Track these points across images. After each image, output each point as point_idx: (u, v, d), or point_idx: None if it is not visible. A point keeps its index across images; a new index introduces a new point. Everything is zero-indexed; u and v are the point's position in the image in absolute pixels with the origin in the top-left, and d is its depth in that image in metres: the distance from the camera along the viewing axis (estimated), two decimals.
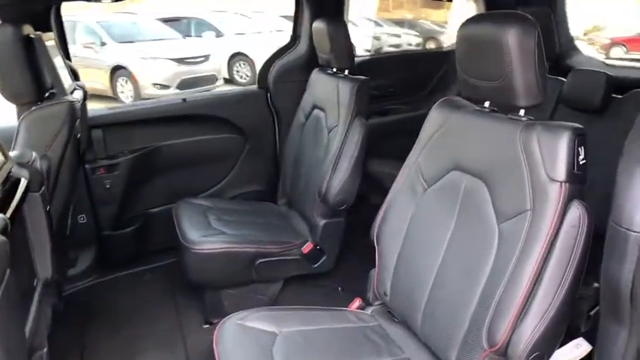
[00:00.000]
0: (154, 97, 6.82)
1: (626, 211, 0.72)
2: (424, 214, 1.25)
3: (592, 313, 1.07)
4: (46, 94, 1.41)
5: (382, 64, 2.67)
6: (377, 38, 10.27)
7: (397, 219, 1.32)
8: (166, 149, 2.19)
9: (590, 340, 1.04)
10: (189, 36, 9.05)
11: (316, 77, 2.07)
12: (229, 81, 8.70)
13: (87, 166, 2.00)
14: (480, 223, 1.07)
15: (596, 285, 1.06)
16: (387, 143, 2.48)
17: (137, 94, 7.04)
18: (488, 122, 1.11)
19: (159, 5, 10.18)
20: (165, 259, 2.24)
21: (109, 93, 7.25)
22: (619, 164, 0.77)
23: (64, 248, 1.70)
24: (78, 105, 1.43)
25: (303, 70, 2.23)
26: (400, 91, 2.66)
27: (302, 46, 2.28)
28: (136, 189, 2.18)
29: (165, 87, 7.12)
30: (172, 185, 2.27)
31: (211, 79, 7.78)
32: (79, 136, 1.50)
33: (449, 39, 12.44)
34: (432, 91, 2.76)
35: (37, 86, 1.35)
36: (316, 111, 2.00)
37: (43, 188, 0.92)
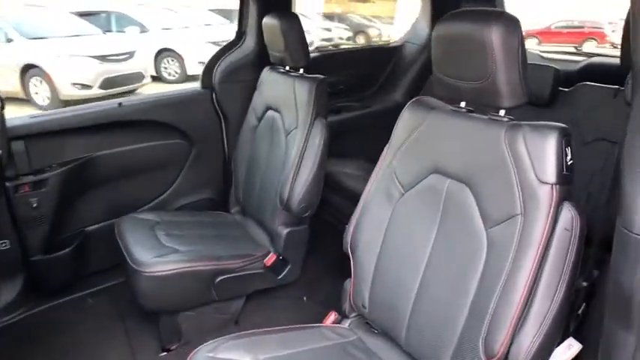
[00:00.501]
0: (74, 98, 6.33)
1: (638, 217, 0.70)
2: (402, 220, 1.19)
3: (580, 311, 1.07)
4: None
5: (330, 60, 2.59)
6: (308, 32, 10.20)
7: (372, 226, 1.26)
8: (102, 160, 1.96)
9: (579, 338, 1.04)
10: (110, 31, 8.47)
11: (268, 76, 1.95)
12: (157, 79, 8.28)
13: (7, 184, 1.74)
14: (466, 228, 1.03)
15: (584, 284, 1.06)
16: (341, 142, 2.42)
17: (54, 96, 6.47)
18: (468, 123, 1.06)
19: None
20: (109, 280, 2.03)
21: (21, 95, 6.59)
22: (621, 162, 0.74)
23: None
24: None
25: (252, 68, 2.10)
26: (350, 88, 2.60)
27: (249, 43, 2.14)
28: (70, 206, 1.94)
29: (86, 87, 6.61)
30: (112, 199, 2.05)
31: (137, 77, 7.36)
32: None
33: (378, 33, 12.83)
34: (380, 87, 2.73)
35: None
36: (270, 112, 1.88)
37: None
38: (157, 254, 1.57)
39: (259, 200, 1.87)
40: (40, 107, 6.48)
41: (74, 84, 6.56)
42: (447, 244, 1.07)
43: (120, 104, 1.97)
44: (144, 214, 1.88)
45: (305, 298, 1.99)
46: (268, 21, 1.81)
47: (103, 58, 6.84)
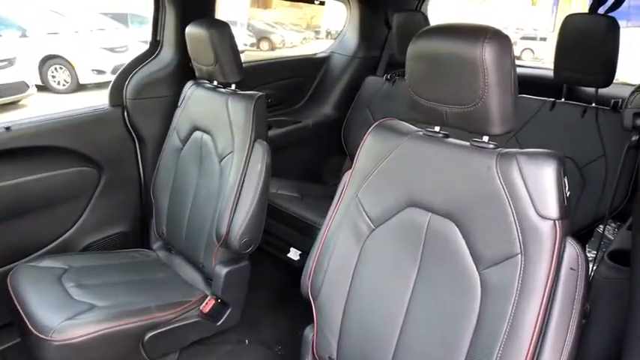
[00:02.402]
0: None
1: None
2: (374, 260, 1.05)
3: None
4: None
5: (258, 72, 2.40)
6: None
7: (337, 266, 1.10)
8: None
9: None
10: None
11: (193, 93, 1.71)
12: (44, 88, 7.39)
13: None
14: (453, 270, 0.92)
15: None
16: (272, 160, 2.25)
17: None
18: (448, 150, 0.96)
19: None
20: (1, 341, 1.65)
21: None
22: None
23: None
24: None
25: (171, 82, 1.84)
26: (278, 102, 2.43)
27: (166, 55, 1.87)
28: None
29: None
30: (1, 242, 1.66)
31: (20, 88, 6.46)
32: None
33: (282, 39, 12.79)
34: (309, 99, 2.60)
35: None
36: (198, 134, 1.65)
37: None
38: (69, 315, 1.27)
39: (189, 236, 1.62)
40: None
41: None
42: (430, 288, 0.95)
43: (7, 128, 1.60)
44: (47, 261, 1.55)
45: (247, 342, 1.78)
46: (193, 30, 1.58)
47: None
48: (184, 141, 1.70)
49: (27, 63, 6.79)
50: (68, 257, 1.60)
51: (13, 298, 1.36)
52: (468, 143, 0.95)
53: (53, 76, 7.61)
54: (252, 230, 1.46)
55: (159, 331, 1.37)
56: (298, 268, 1.42)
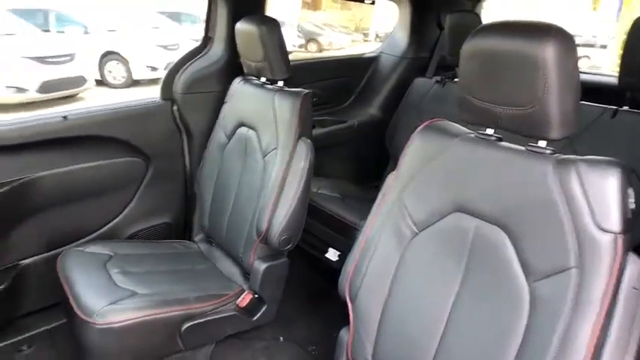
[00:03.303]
0: (7, 103, 5.76)
1: None
2: (416, 265, 1.01)
3: None
4: None
5: (305, 70, 2.40)
6: None
7: (377, 269, 1.07)
8: (42, 181, 1.66)
9: None
10: (48, 30, 7.84)
11: (240, 89, 1.73)
12: (102, 83, 7.75)
13: None
14: (500, 280, 0.87)
15: None
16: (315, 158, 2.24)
17: None
18: (501, 154, 0.91)
19: None
20: (49, 321, 1.73)
21: None
22: None
23: None
24: None
25: (219, 78, 1.86)
26: (324, 101, 2.42)
27: (216, 51, 1.90)
28: (2, 236, 1.62)
29: (22, 90, 6.05)
30: (53, 227, 1.74)
31: (79, 81, 6.82)
32: None
33: (329, 41, 12.82)
34: (355, 100, 2.57)
35: None
36: (243, 129, 1.66)
37: None
38: (112, 300, 1.31)
39: (230, 230, 1.64)
40: None
41: (8, 87, 5.99)
42: (474, 297, 0.91)
43: (65, 117, 1.67)
44: (94, 246, 1.60)
45: (282, 339, 1.78)
46: (243, 26, 1.59)
47: (41, 60, 6.30)
48: (230, 136, 1.71)
49: (86, 58, 7.15)
50: (114, 244, 1.65)
51: (62, 280, 1.42)
52: (523, 148, 0.89)
53: (110, 72, 7.98)
54: (292, 227, 1.45)
55: (196, 322, 1.39)
56: (336, 268, 1.41)
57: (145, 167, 1.91)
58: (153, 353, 1.37)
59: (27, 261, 1.72)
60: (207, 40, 1.92)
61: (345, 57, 2.76)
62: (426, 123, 1.07)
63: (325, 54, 11.70)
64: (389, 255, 1.06)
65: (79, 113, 1.73)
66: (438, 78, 2.28)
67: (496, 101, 0.87)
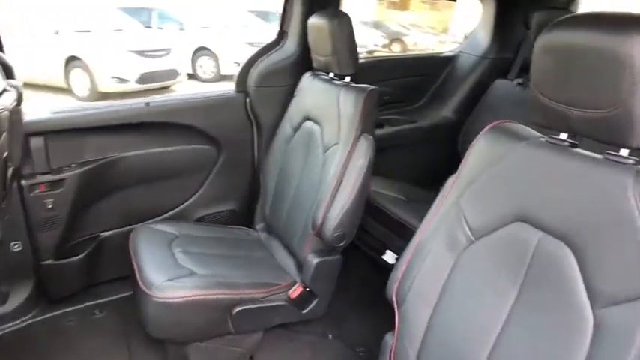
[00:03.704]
0: (111, 92, 6.34)
1: None
2: (469, 274, 0.95)
3: None
4: None
5: (376, 68, 2.37)
6: None
7: (427, 274, 1.02)
8: (124, 162, 1.80)
9: None
10: (150, 27, 8.51)
11: (308, 83, 1.74)
12: (192, 76, 8.26)
13: (23, 182, 1.59)
14: (561, 301, 0.79)
15: None
16: (381, 159, 2.19)
17: (93, 87, 6.51)
18: (574, 162, 0.82)
19: None
20: (119, 291, 1.88)
21: (63, 85, 6.66)
22: None
23: None
24: (4, 113, 1.04)
25: (291, 72, 1.89)
26: (395, 100, 2.37)
27: (289, 45, 1.94)
28: (86, 209, 1.78)
29: (124, 81, 6.65)
30: (130, 204, 1.88)
31: (172, 74, 7.35)
32: (5, 155, 1.11)
33: (415, 42, 12.54)
34: (429, 100, 2.49)
35: None
36: (308, 123, 1.67)
37: None
38: (171, 276, 1.38)
39: (288, 221, 1.66)
40: (80, 99, 6.52)
41: (113, 77, 6.58)
42: (530, 316, 0.83)
43: (147, 104, 1.80)
44: (162, 225, 1.70)
45: (330, 336, 1.77)
46: (315, 20, 1.60)
47: (141, 54, 6.87)
48: (295, 129, 1.74)
49: (181, 53, 7.66)
50: (181, 225, 1.75)
51: (131, 253, 1.53)
52: (600, 156, 0.80)
53: (201, 66, 8.48)
54: (346, 224, 1.43)
55: (246, 307, 1.42)
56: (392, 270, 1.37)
57: (216, 155, 2.00)
58: (204, 331, 1.43)
59: (106, 233, 1.87)
60: (281, 34, 1.96)
61: (422, 55, 2.69)
62: (493, 124, 1.00)
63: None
64: (441, 261, 1.01)
65: (160, 101, 1.85)
66: (520, 80, 2.13)
67: (570, 102, 0.79)
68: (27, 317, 1.72)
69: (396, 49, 12.85)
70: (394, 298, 1.08)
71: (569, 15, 0.81)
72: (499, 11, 2.33)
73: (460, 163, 1.05)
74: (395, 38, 12.97)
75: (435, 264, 1.01)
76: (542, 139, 0.90)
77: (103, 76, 6.54)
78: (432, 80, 2.48)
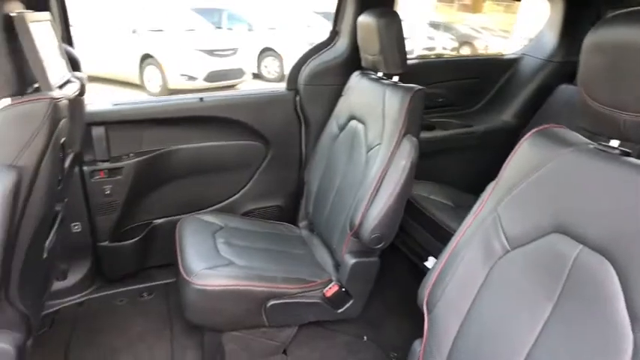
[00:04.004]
0: (180, 88, 6.67)
1: None
2: (503, 285, 0.90)
3: None
4: (30, 89, 1.12)
5: (431, 69, 2.31)
6: (409, 40, 9.87)
7: (459, 282, 0.98)
8: (178, 154, 1.89)
9: None
10: (220, 27, 8.86)
11: (357, 82, 1.74)
12: (257, 76, 8.48)
13: (85, 168, 1.72)
14: (599, 319, 0.72)
15: None
16: (431, 162, 2.13)
17: (164, 84, 6.89)
18: (623, 172, 0.75)
19: None
20: (167, 277, 1.98)
21: (137, 81, 7.12)
22: None
23: (49, 264, 1.42)
24: (63, 102, 1.13)
25: (341, 72, 1.89)
26: (450, 102, 2.30)
27: (341, 44, 1.94)
28: (140, 197, 1.89)
29: (192, 78, 6.98)
30: (181, 194, 1.97)
31: (238, 73, 7.61)
32: (63, 140, 1.20)
33: (486, 45, 12.08)
34: (487, 104, 2.38)
35: (17, 78, 1.05)
36: (354, 123, 1.66)
37: None
38: (210, 265, 1.43)
39: (329, 220, 1.66)
40: (152, 94, 6.94)
41: (182, 74, 6.92)
42: (565, 332, 0.77)
43: (201, 99, 1.88)
44: (209, 216, 1.77)
45: (365, 338, 1.75)
46: (363, 19, 1.59)
47: (210, 53, 7.17)
48: (341, 128, 1.73)
49: (247, 53, 7.91)
50: (227, 217, 1.80)
51: (177, 241, 1.60)
52: None
53: (266, 66, 8.70)
54: (384, 227, 1.41)
55: (280, 301, 1.44)
56: None
57: (264, 151, 2.04)
58: (239, 321, 1.46)
59: (158, 221, 1.98)
60: (334, 33, 1.96)
61: (482, 57, 2.58)
62: (539, 128, 0.94)
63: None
64: (475, 269, 0.96)
65: (214, 97, 1.93)
66: None
67: (619, 106, 0.72)
68: (83, 294, 1.86)
69: (465, 52, 12.47)
70: (424, 304, 1.05)
71: (625, 10, 0.75)
72: (568, 11, 2.18)
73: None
74: (465, 41, 12.59)
75: (469, 272, 0.97)
76: (591, 146, 0.83)
77: (173, 74, 6.90)
78: (492, 83, 2.38)
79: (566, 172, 0.84)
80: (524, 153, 0.94)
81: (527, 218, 0.88)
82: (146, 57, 7.04)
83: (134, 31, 7.17)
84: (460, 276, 0.98)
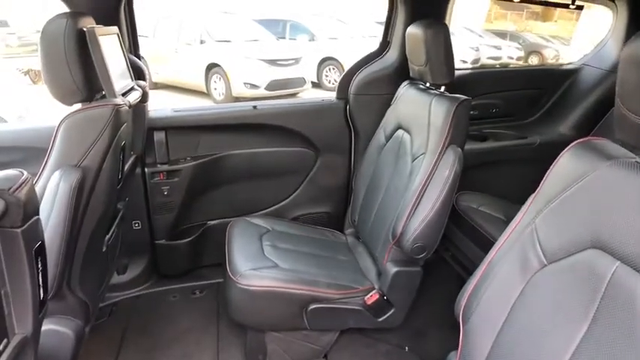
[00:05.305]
0: (243, 96, 6.95)
1: None
2: (539, 300, 0.88)
3: None
4: (99, 96, 1.25)
5: (486, 79, 2.25)
6: (475, 49, 9.62)
7: (495, 295, 0.97)
8: (231, 159, 1.99)
9: None
10: (283, 38, 9.12)
11: (405, 92, 1.74)
12: (317, 85, 8.63)
13: (146, 170, 1.86)
14: (637, 341, 0.69)
15: None
16: (483, 174, 2.08)
17: (228, 92, 7.20)
18: None
19: (259, 5, 10.38)
20: (218, 276, 2.07)
21: (204, 89, 7.49)
22: None
23: (109, 259, 1.56)
24: (125, 108, 1.24)
25: (391, 82, 1.91)
26: (504, 113, 2.24)
27: (391, 55, 1.96)
28: (195, 198, 2.01)
29: (254, 87, 7.24)
30: (233, 198, 2.07)
31: (299, 82, 7.79)
32: (123, 143, 1.32)
33: (555, 54, 11.49)
34: (544, 115, 2.29)
35: (87, 86, 1.18)
36: (400, 132, 1.67)
37: (31, 221, 0.72)
38: (255, 266, 1.49)
39: (373, 228, 1.67)
40: (217, 101, 7.28)
41: (245, 83, 7.20)
42: (601, 353, 0.74)
43: (254, 107, 1.97)
44: (258, 219, 1.84)
45: (407, 349, 1.73)
46: (412, 30, 1.60)
47: (272, 62, 7.42)
48: (388, 138, 1.74)
49: (309, 62, 8.09)
50: (275, 221, 1.87)
51: (226, 242, 1.68)
52: None
53: (326, 76, 8.83)
54: (426, 236, 1.40)
55: (321, 305, 1.47)
56: None
57: (314, 159, 2.09)
58: (280, 322, 1.51)
59: (211, 222, 2.09)
60: (385, 44, 1.99)
61: (539, 67, 2.49)
62: (580, 140, 0.92)
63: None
64: (510, 283, 0.94)
65: (267, 105, 2.01)
66: None
67: None
68: (140, 288, 2.00)
69: (533, 62, 11.95)
70: (460, 316, 1.04)
71: None
72: (633, 19, 2.05)
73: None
74: (532, 50, 12.07)
75: (504, 284, 0.95)
76: (632, 160, 0.79)
77: (236, 82, 7.20)
78: (549, 94, 2.28)
79: (605, 186, 0.81)
80: (565, 165, 0.92)
81: (564, 232, 0.85)
82: (212, 66, 7.40)
83: (202, 42, 7.57)
84: (496, 288, 0.97)
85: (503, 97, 2.20)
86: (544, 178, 0.97)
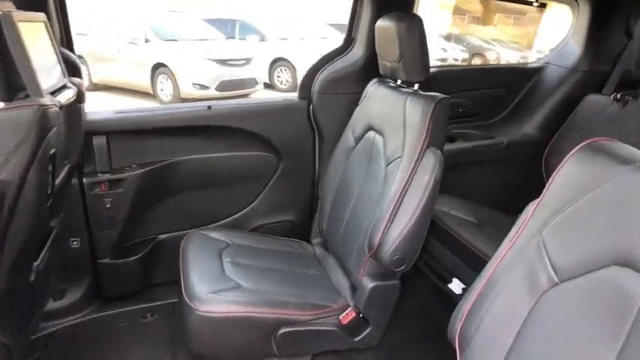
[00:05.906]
0: (191, 97, 6.66)
1: None
2: (552, 324, 0.77)
3: None
4: (21, 95, 1.02)
5: (450, 77, 2.19)
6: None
7: (499, 316, 0.85)
8: (184, 165, 1.79)
9: None
10: (233, 38, 8.87)
11: (374, 90, 1.62)
12: (269, 86, 8.46)
13: (84, 180, 1.62)
14: None
15: None
16: (451, 175, 2.00)
17: (176, 93, 6.88)
18: None
19: (207, 5, 10.07)
20: (172, 296, 1.85)
21: (149, 90, 7.11)
22: None
23: (32, 290, 1.31)
24: (55, 109, 1.03)
25: (357, 80, 1.78)
26: (470, 113, 2.18)
27: (357, 51, 1.83)
28: (143, 211, 1.79)
29: (204, 87, 6.98)
30: (186, 208, 1.87)
31: (251, 83, 7.60)
32: (53, 151, 1.11)
33: (497, 56, 11.97)
34: (509, 114, 2.26)
35: (4, 82, 0.96)
36: (371, 134, 1.55)
37: None
38: (215, 288, 1.31)
39: (345, 239, 1.54)
40: (163, 103, 6.93)
41: (194, 84, 6.91)
42: None
43: (209, 107, 1.78)
44: (215, 233, 1.66)
45: None
46: (382, 23, 1.48)
47: (222, 62, 7.17)
48: (357, 140, 1.62)
49: (260, 63, 7.90)
50: (235, 234, 1.69)
51: (180, 259, 1.49)
52: None
53: (278, 76, 8.68)
54: (406, 248, 1.28)
55: (292, 329, 1.32)
56: (458, 302, 1.21)
57: (276, 163, 1.93)
58: (246, 351, 1.34)
59: (162, 236, 1.87)
60: (349, 40, 1.86)
61: (503, 66, 2.47)
62: (587, 142, 0.82)
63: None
64: (516, 303, 0.83)
65: (222, 105, 1.83)
66: (618, 95, 1.85)
67: None
68: (81, 314, 1.75)
69: (476, 64, 12.40)
70: (456, 339, 0.92)
71: None
72: (595, 18, 2.05)
73: (544, 187, 0.87)
74: (476, 52, 12.53)
75: (509, 305, 0.84)
76: None
77: (185, 83, 6.89)
78: (514, 93, 2.25)
79: (626, 193, 0.71)
80: (572, 170, 0.82)
81: (579, 246, 0.75)
82: (159, 66, 7.04)
83: (147, 41, 7.19)
84: (499, 309, 0.86)
85: (468, 96, 2.14)
86: (547, 185, 0.86)
